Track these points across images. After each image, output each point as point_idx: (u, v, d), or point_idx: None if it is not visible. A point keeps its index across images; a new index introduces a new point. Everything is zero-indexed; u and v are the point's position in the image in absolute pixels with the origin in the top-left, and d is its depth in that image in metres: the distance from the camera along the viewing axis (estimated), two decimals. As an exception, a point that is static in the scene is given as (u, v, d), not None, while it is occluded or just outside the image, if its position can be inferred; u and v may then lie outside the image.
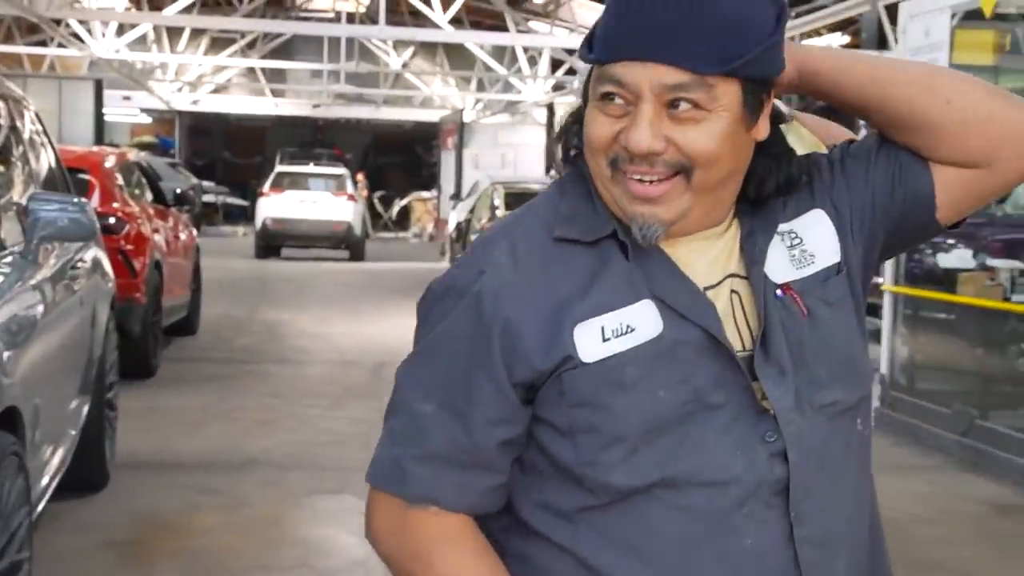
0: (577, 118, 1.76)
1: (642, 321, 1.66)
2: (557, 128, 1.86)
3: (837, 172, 1.81)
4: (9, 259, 5.06)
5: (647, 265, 1.68)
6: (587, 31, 1.75)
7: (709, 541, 1.66)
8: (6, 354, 4.49)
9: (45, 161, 6.70)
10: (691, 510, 1.66)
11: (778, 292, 1.73)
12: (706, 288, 1.71)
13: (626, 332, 1.65)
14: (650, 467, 1.64)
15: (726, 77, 1.59)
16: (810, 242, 1.78)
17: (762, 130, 1.69)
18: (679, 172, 1.62)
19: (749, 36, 1.59)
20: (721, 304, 1.70)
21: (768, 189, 1.73)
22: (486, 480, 1.70)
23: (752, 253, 1.73)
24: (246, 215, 34.41)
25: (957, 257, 9.86)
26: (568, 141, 1.80)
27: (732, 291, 1.73)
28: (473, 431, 1.67)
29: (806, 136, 1.79)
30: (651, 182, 1.62)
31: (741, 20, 1.59)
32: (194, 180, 34.97)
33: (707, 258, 1.73)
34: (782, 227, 1.76)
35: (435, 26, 28.26)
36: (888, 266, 10.35)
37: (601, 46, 1.64)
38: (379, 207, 40.62)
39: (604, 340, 1.65)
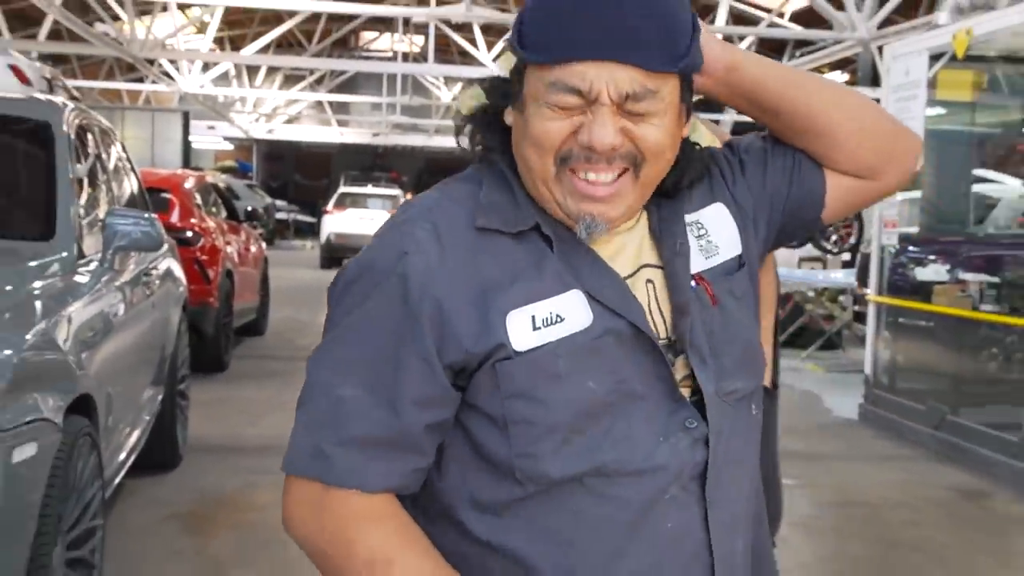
0: (488, 116, 1.66)
1: (572, 311, 1.55)
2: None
3: (736, 170, 1.77)
4: (88, 266, 5.10)
5: (572, 258, 1.58)
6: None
7: (634, 527, 1.56)
8: (83, 352, 4.54)
9: (127, 183, 6.76)
10: (618, 498, 1.56)
11: (692, 283, 1.66)
12: (625, 278, 1.62)
13: (556, 321, 1.54)
14: (582, 456, 1.54)
15: (670, 74, 1.53)
16: (714, 233, 1.71)
17: (687, 125, 1.64)
18: (628, 168, 1.54)
19: (684, 34, 1.53)
20: (639, 294, 1.61)
21: (685, 182, 1.66)
22: (412, 462, 1.55)
23: (673, 245, 1.66)
24: (313, 230, 34.41)
25: (933, 271, 9.82)
26: (479, 138, 1.67)
27: (648, 280, 1.64)
28: (401, 413, 1.52)
29: (705, 133, 1.74)
30: (603, 183, 1.53)
31: (677, 19, 1.52)
32: (268, 200, 35.00)
33: (624, 250, 1.63)
34: (688, 218, 1.70)
35: (480, 64, 28.24)
36: (872, 278, 10.37)
37: (546, 47, 1.51)
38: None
39: (535, 329, 1.53)
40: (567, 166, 1.52)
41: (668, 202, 1.66)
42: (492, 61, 28.32)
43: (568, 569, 1.55)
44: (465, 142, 1.69)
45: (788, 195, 1.77)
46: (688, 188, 1.69)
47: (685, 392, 1.60)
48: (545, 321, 1.53)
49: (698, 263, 1.67)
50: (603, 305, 1.56)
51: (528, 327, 1.52)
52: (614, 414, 1.55)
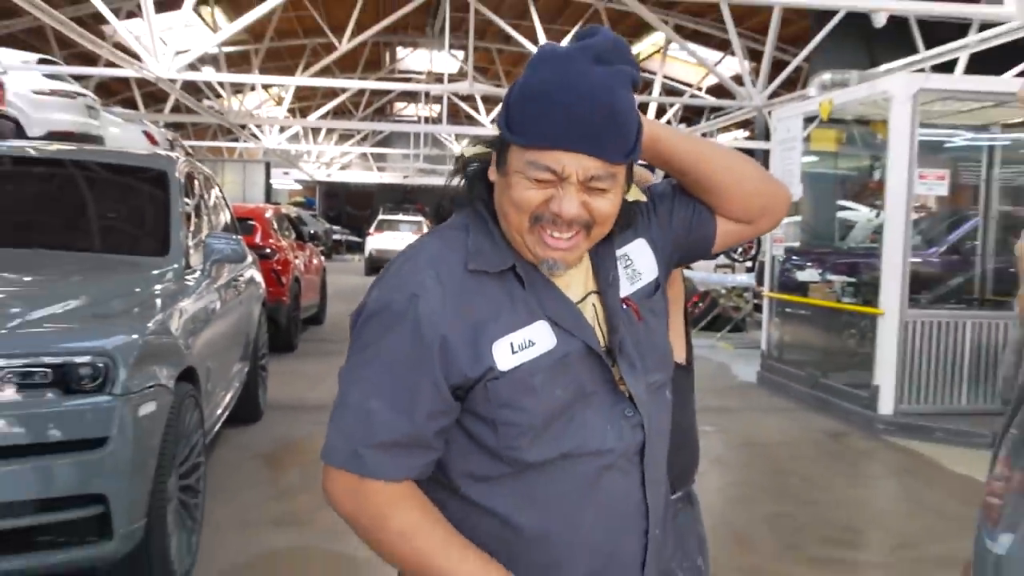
0: (476, 171, 1.61)
1: (540, 337, 1.52)
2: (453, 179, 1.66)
3: (652, 213, 1.72)
4: (193, 275, 5.12)
5: (539, 292, 1.55)
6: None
7: (591, 491, 1.55)
8: (189, 336, 4.57)
9: (223, 215, 6.80)
10: (579, 472, 1.54)
11: (623, 306, 1.63)
12: (577, 303, 1.59)
13: (528, 346, 1.51)
14: (551, 445, 1.52)
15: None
16: (638, 263, 1.68)
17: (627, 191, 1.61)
18: (582, 229, 1.51)
19: (633, 133, 1.48)
20: (588, 315, 1.59)
21: (618, 228, 1.60)
22: (425, 457, 1.52)
23: (607, 278, 1.63)
24: (360, 248, 34.36)
25: (809, 274, 9.86)
26: (472, 191, 1.61)
27: (592, 304, 1.61)
28: (416, 423, 1.49)
29: (634, 188, 1.67)
30: (564, 239, 1.50)
31: (629, 122, 1.47)
32: (327, 225, 35.03)
33: (575, 281, 1.60)
34: (618, 252, 1.66)
35: (480, 124, 28.29)
36: (767, 279, 10.42)
37: (530, 134, 1.46)
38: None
39: (513, 352, 1.50)
40: (538, 224, 1.49)
41: (603, 242, 1.61)
42: (489, 123, 28.34)
43: (543, 525, 1.54)
44: (454, 182, 1.65)
45: (687, 238, 1.74)
46: (619, 231, 1.65)
47: (622, 389, 1.58)
48: (520, 346, 1.51)
49: (626, 288, 1.65)
50: (563, 329, 1.54)
51: (508, 352, 1.50)
52: (574, 410, 1.53)
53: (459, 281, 1.52)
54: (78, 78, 15.71)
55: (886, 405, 8.07)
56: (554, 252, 1.51)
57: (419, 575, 1.52)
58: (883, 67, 11.99)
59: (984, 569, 1.41)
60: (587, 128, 1.44)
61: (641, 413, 1.58)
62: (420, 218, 30.55)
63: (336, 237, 37.50)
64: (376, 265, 27.69)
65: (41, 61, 13.98)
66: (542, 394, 1.51)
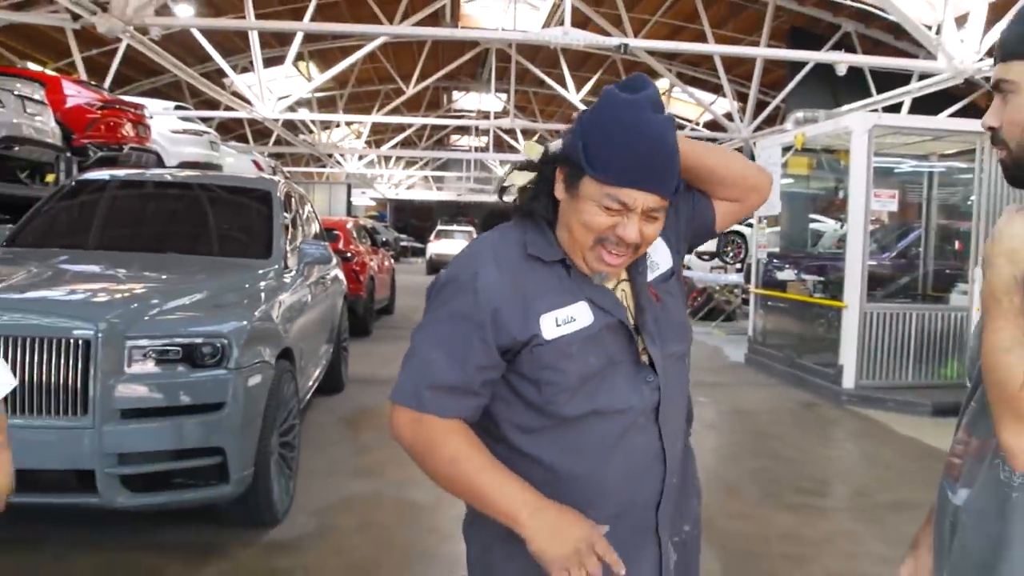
0: (541, 187, 1.57)
1: (580, 315, 1.51)
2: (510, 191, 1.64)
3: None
4: (290, 274, 5.14)
5: (581, 279, 1.54)
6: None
7: (618, 443, 1.53)
8: (286, 323, 4.61)
9: (313, 226, 6.84)
10: (607, 426, 1.52)
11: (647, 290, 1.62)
12: (612, 288, 1.58)
13: (570, 321, 1.50)
14: (585, 403, 1.51)
15: None
16: (655, 256, 1.64)
17: None
18: (633, 251, 1.51)
19: (678, 172, 1.49)
20: (619, 296, 1.57)
21: None
22: (472, 402, 1.50)
23: (637, 270, 1.61)
24: (422, 252, 34.43)
25: (787, 274, 9.75)
26: (535, 206, 1.57)
27: (622, 289, 1.59)
28: (467, 373, 1.48)
29: None
30: (619, 258, 1.50)
31: (676, 164, 1.48)
32: (396, 234, 35.09)
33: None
34: None
35: (520, 152, 28.28)
36: (753, 278, 10.32)
37: (611, 173, 1.43)
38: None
39: (557, 326, 1.49)
40: (599, 244, 1.48)
41: None
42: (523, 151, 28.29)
43: (577, 470, 1.52)
44: (505, 197, 1.64)
45: (692, 225, 1.72)
46: None
47: (645, 359, 1.57)
48: (563, 321, 1.50)
49: (646, 276, 1.63)
50: (601, 309, 1.53)
51: (553, 325, 1.50)
52: (604, 375, 1.52)
53: (515, 265, 1.51)
54: (204, 120, 15.93)
55: (848, 380, 7.96)
56: (608, 268, 1.51)
57: (467, 495, 1.49)
58: (845, 107, 11.94)
59: (944, 516, 1.42)
60: (656, 171, 1.44)
61: (659, 378, 1.56)
62: (471, 228, 30.51)
63: (403, 244, 37.61)
64: (435, 266, 27.70)
65: (177, 107, 14.22)
66: (578, 360, 1.49)
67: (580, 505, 1.49)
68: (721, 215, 1.73)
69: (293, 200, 6.02)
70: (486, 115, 28.16)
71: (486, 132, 30.64)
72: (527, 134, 28.65)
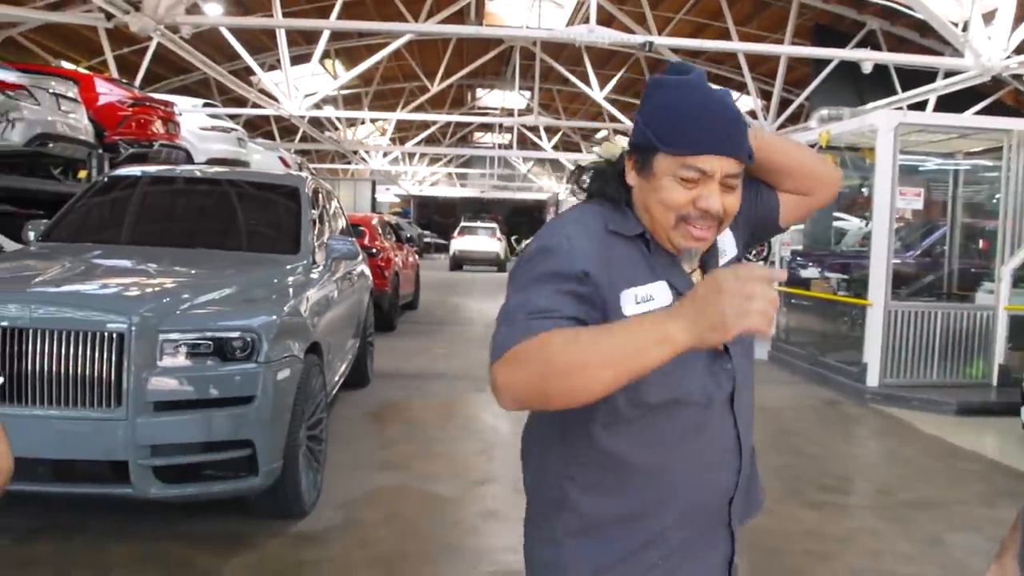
0: (611, 173, 1.55)
1: (659, 294, 1.47)
2: (581, 175, 1.61)
3: None
4: (318, 269, 5.16)
5: (660, 259, 1.50)
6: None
7: (695, 432, 1.50)
8: (314, 317, 4.63)
9: (340, 221, 6.86)
10: (686, 415, 1.48)
11: None
12: (688, 273, 1.54)
13: (649, 300, 1.45)
14: (666, 390, 1.45)
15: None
16: (722, 244, 1.60)
17: None
18: (716, 224, 1.47)
19: (747, 135, 1.47)
20: (694, 281, 1.53)
21: None
22: (567, 323, 1.34)
23: (708, 257, 1.57)
24: (446, 249, 34.48)
25: (811, 272, 9.72)
26: (607, 190, 1.54)
27: (696, 277, 1.55)
28: (563, 311, 1.35)
29: None
30: (705, 231, 1.45)
31: (745, 126, 1.46)
32: (420, 231, 35.14)
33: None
34: None
35: (543, 150, 28.21)
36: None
37: (684, 144, 1.41)
38: (514, 244, 40.47)
39: (636, 303, 1.45)
40: (683, 221, 1.45)
41: None
42: (551, 148, 28.22)
43: (657, 461, 1.49)
44: (574, 182, 1.61)
45: (755, 215, 1.68)
46: None
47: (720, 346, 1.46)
48: (643, 299, 1.46)
49: (717, 264, 1.59)
50: (679, 292, 1.48)
51: (633, 301, 1.45)
52: (684, 360, 1.34)
53: (599, 238, 1.48)
54: (232, 117, 16.06)
55: (872, 378, 7.90)
56: (696, 242, 1.47)
57: (606, 367, 1.25)
58: (870, 105, 11.79)
59: None
60: (727, 135, 1.43)
61: (734, 366, 1.54)
62: (494, 225, 30.44)
63: (427, 240, 37.63)
64: (459, 262, 27.66)
65: (205, 104, 14.35)
66: None
67: (655, 501, 1.47)
68: (786, 209, 1.70)
69: (320, 196, 6.03)
70: (510, 112, 28.15)
71: (510, 129, 30.61)
72: (550, 131, 28.64)
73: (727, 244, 1.63)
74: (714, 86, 1.47)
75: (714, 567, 1.56)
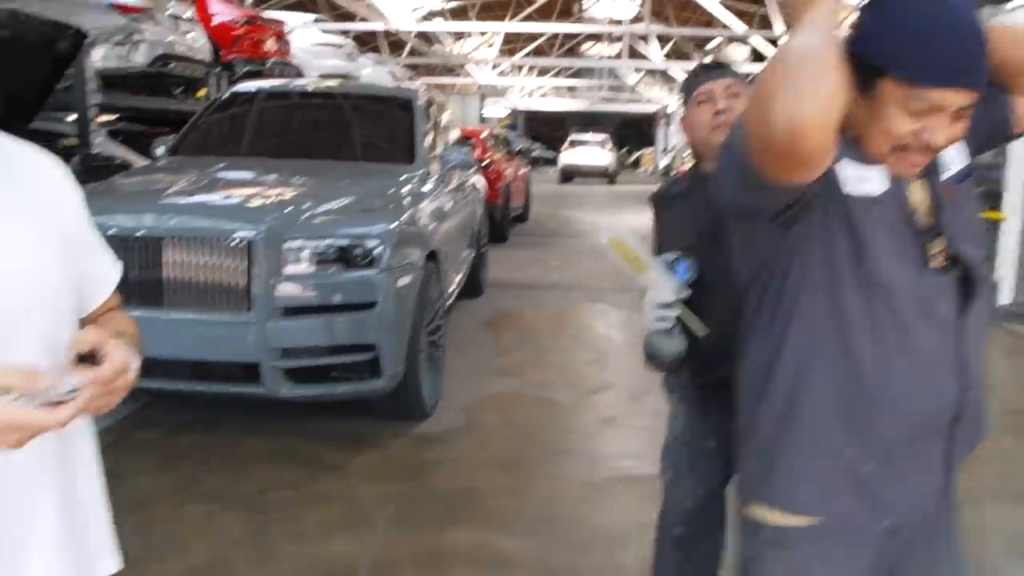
0: None
1: (873, 177, 1.35)
2: None
3: None
4: (433, 179, 5.17)
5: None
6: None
7: (907, 335, 1.35)
8: (431, 227, 4.67)
9: (452, 134, 6.86)
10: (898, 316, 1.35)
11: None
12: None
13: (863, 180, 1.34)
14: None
15: None
16: (948, 155, 1.41)
17: None
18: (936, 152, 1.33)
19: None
20: (916, 196, 1.38)
21: None
22: None
23: (934, 166, 1.39)
24: (555, 162, 34.17)
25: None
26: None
27: (919, 187, 1.38)
28: None
29: None
30: (921, 163, 1.32)
31: (986, 47, 1.26)
32: (529, 143, 34.90)
33: None
34: None
35: (651, 61, 27.37)
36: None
37: (922, 74, 1.24)
38: (625, 156, 39.67)
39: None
40: (900, 149, 1.30)
41: None
42: (663, 58, 27.34)
43: (885, 358, 1.36)
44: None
45: (985, 122, 1.43)
46: None
47: (942, 260, 1.37)
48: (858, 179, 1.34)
49: (940, 176, 1.42)
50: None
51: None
52: None
53: None
54: (341, 32, 16.15)
55: (1005, 296, 7.48)
56: (913, 170, 1.34)
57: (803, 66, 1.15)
58: None
59: None
60: (972, 66, 1.25)
61: (974, 276, 1.38)
62: (604, 136, 29.94)
63: (536, 153, 37.38)
64: (568, 175, 27.46)
65: (316, 21, 14.46)
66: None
67: (892, 401, 1.38)
68: (1020, 115, 1.49)
69: (433, 108, 6.03)
70: (619, 22, 27.33)
71: (618, 39, 29.75)
72: (662, 40, 27.71)
73: (953, 155, 1.45)
74: None
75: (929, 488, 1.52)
